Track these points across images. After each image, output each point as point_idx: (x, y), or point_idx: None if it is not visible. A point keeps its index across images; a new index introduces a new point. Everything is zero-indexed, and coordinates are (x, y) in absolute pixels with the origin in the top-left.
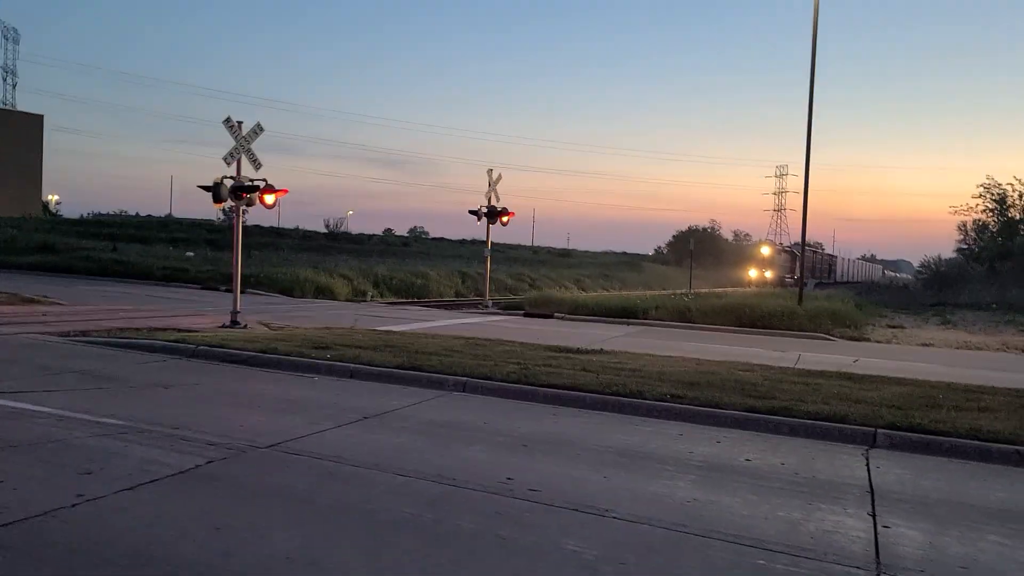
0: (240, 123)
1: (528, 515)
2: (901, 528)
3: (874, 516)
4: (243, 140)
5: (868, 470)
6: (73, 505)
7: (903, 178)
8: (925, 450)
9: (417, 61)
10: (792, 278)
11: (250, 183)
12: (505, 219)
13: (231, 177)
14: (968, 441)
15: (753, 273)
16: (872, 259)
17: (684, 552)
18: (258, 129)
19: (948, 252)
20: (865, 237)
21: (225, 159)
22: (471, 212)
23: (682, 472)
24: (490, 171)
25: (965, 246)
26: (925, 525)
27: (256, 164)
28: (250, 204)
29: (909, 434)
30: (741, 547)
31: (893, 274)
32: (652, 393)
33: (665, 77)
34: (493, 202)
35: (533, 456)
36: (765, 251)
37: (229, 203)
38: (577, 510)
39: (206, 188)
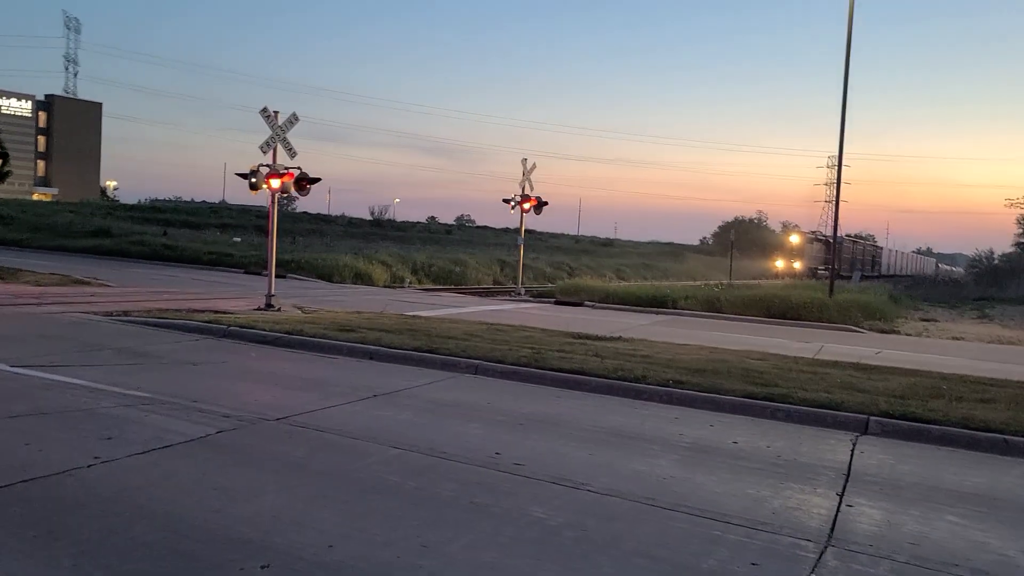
0: (276, 113)
1: (506, 485)
2: (864, 507)
3: (841, 496)
4: (279, 129)
5: (851, 455)
6: (89, 466)
7: (963, 169)
8: (916, 438)
9: (467, 49)
10: (826, 269)
11: (285, 171)
12: (538, 208)
13: (267, 165)
14: (958, 430)
15: (780, 264)
16: (928, 252)
17: (644, 522)
18: (293, 119)
19: (1007, 246)
20: (922, 229)
21: (261, 148)
22: (505, 200)
23: (667, 452)
24: (524, 160)
25: None
26: (889, 505)
27: (291, 153)
28: (285, 191)
29: (901, 422)
30: (702, 519)
31: (948, 268)
32: (656, 378)
33: (723, 66)
34: (527, 191)
35: (527, 434)
36: (794, 239)
37: (265, 190)
38: (554, 482)
39: (243, 176)
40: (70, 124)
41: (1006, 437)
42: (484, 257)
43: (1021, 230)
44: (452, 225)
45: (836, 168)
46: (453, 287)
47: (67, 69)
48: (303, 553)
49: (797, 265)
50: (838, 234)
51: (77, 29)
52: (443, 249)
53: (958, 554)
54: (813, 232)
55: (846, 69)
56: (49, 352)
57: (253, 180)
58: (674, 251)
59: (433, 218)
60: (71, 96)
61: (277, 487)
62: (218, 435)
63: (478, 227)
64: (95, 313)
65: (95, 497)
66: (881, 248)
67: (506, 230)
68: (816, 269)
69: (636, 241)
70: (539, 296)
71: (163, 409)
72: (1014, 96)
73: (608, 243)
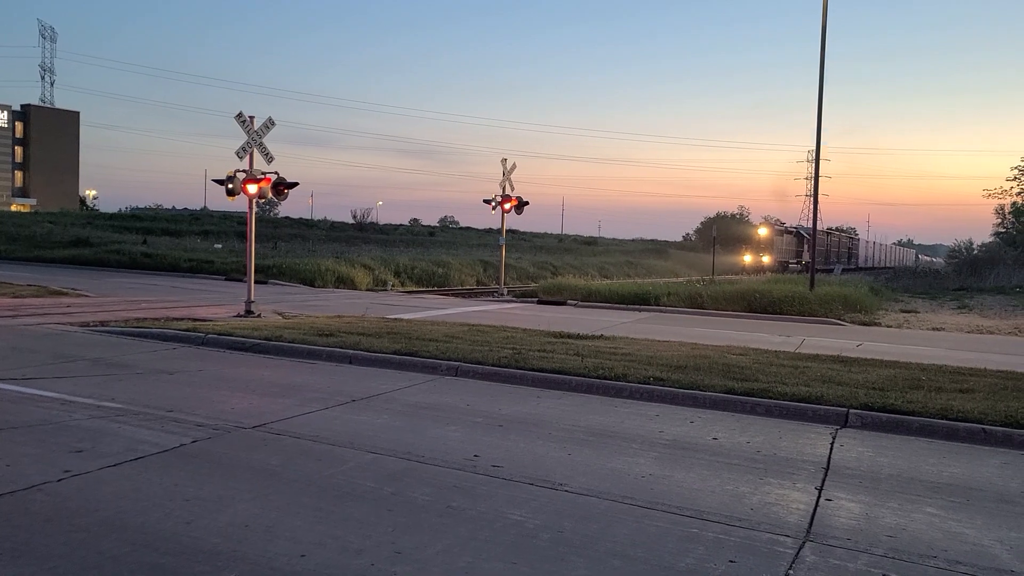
0: (252, 118)
1: (483, 488)
2: (842, 501)
3: (820, 490)
4: (255, 134)
5: (831, 448)
6: (59, 480)
7: (943, 162)
8: (895, 429)
9: (449, 54)
10: (798, 263)
11: (261, 176)
12: (519, 207)
13: (243, 171)
14: (937, 421)
15: (748, 258)
16: (909, 244)
17: (622, 521)
18: (269, 123)
19: (987, 236)
20: (904, 222)
21: (238, 153)
22: (485, 201)
23: (647, 450)
24: (503, 160)
25: (1003, 230)
26: (867, 498)
27: (268, 157)
28: (262, 197)
29: (880, 414)
30: (680, 517)
31: (928, 259)
32: (636, 376)
33: (705, 61)
34: (508, 191)
35: (506, 435)
36: (763, 232)
37: (242, 196)
38: (532, 484)
39: (219, 182)
40: (47, 134)
41: (984, 427)
42: (467, 258)
43: (999, 220)
44: (435, 227)
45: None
46: (436, 289)
47: (43, 78)
48: (275, 562)
49: (766, 259)
50: (807, 226)
51: (52, 38)
52: (426, 251)
53: (935, 545)
54: (783, 224)
55: (821, 63)
56: (22, 365)
57: (230, 186)
58: (658, 248)
59: (416, 220)
60: (48, 105)
61: (250, 496)
62: (192, 444)
63: (461, 228)
64: (71, 324)
65: (64, 512)
66: (858, 239)
67: (489, 231)
68: (787, 263)
69: (620, 239)
70: (522, 296)
71: (137, 420)
72: (992, 89)
73: (592, 241)
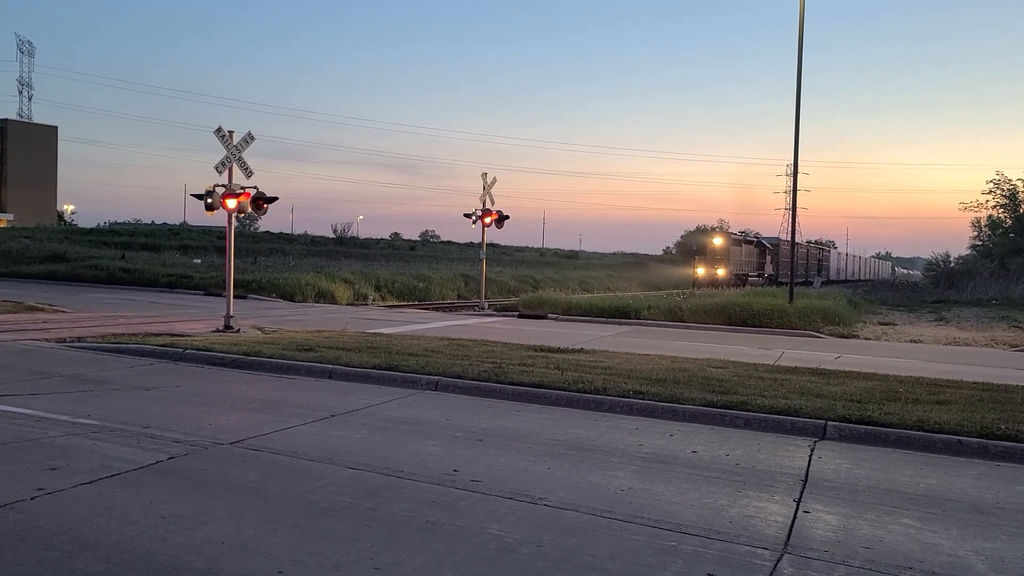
0: (231, 132)
1: (462, 503)
2: (820, 513)
3: (798, 502)
4: (234, 149)
5: (809, 460)
6: (32, 498)
7: (922, 175)
8: (872, 441)
9: (430, 68)
10: (759, 275)
11: (240, 191)
12: (500, 221)
13: (222, 185)
14: (914, 432)
15: (701, 271)
16: (887, 256)
17: (601, 535)
18: (249, 138)
19: (964, 249)
20: (882, 234)
21: (217, 168)
22: (466, 215)
23: (626, 463)
24: (484, 174)
25: (979, 243)
26: (844, 510)
27: (247, 172)
28: (242, 211)
29: (858, 426)
30: (659, 531)
31: (906, 271)
32: (616, 389)
33: (687, 77)
34: (488, 205)
35: (485, 449)
36: (718, 242)
37: (221, 211)
38: (511, 498)
39: (198, 196)
40: (25, 149)
41: (960, 438)
42: (448, 272)
43: (976, 233)
44: (416, 241)
45: (793, 176)
46: (417, 303)
47: (21, 93)
48: None
49: (721, 272)
50: (779, 238)
51: (31, 52)
52: (407, 265)
53: (911, 557)
54: (742, 233)
55: (798, 76)
56: None
57: (209, 201)
58: (638, 261)
59: (397, 234)
60: (26, 120)
61: (227, 513)
62: (169, 461)
63: (442, 242)
64: (47, 340)
65: (37, 530)
66: (829, 251)
67: (470, 245)
68: (746, 275)
69: (601, 252)
70: (503, 310)
71: (113, 436)
72: (970, 104)
73: (573, 255)
